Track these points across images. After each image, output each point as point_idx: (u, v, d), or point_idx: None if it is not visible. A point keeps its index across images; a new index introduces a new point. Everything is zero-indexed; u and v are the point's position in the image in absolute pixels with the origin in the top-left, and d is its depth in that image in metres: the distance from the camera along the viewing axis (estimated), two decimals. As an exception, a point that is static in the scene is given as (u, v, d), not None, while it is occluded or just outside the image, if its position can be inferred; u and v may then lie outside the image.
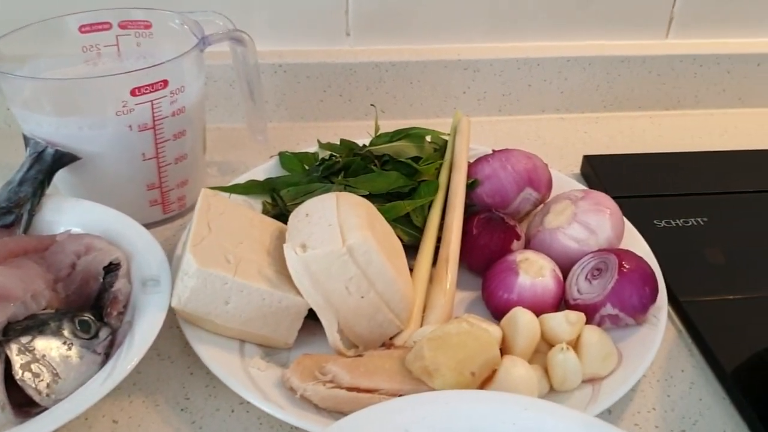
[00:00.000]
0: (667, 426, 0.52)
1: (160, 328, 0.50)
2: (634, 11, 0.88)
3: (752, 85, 0.92)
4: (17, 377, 0.47)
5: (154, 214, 0.68)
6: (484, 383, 0.49)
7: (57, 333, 0.49)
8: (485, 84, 0.88)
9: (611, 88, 0.90)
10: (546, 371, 0.51)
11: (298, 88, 0.85)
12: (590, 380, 0.52)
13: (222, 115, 0.85)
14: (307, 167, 0.70)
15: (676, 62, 0.89)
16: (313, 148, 0.73)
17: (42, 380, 0.47)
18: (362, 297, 0.51)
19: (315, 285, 0.50)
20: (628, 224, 0.64)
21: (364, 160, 0.66)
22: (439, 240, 0.61)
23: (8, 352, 0.47)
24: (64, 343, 0.49)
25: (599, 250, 0.58)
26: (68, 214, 0.60)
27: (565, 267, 0.58)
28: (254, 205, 0.66)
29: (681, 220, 0.70)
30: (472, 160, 0.66)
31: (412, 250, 0.60)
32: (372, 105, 0.85)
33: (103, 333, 0.51)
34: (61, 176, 0.62)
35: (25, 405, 0.47)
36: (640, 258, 0.56)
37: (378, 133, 0.71)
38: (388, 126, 0.73)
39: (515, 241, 0.61)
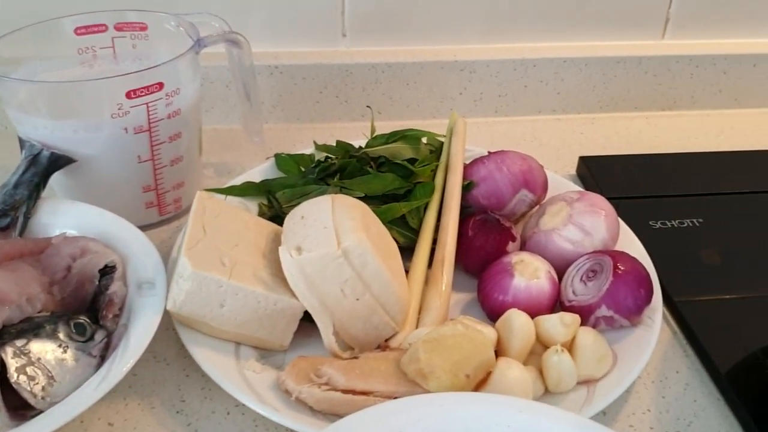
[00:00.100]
0: (661, 427, 0.52)
1: (155, 331, 0.51)
2: (630, 12, 0.88)
3: (748, 86, 0.92)
4: (12, 380, 0.47)
5: (150, 216, 0.68)
6: (479, 385, 0.49)
7: (52, 336, 0.49)
8: (482, 85, 0.88)
9: (607, 89, 0.90)
10: (541, 373, 0.51)
11: (294, 89, 0.85)
12: (585, 382, 0.52)
13: (218, 116, 0.85)
14: (303, 169, 0.70)
15: (673, 63, 0.89)
16: (309, 150, 0.73)
17: (37, 383, 0.47)
18: (357, 299, 0.51)
19: (310, 287, 0.51)
20: (623, 225, 0.64)
21: (359, 161, 0.66)
22: (434, 242, 0.61)
23: (3, 355, 0.47)
24: (60, 346, 0.49)
25: (594, 252, 0.58)
26: (64, 216, 0.60)
27: (561, 268, 0.59)
28: (250, 206, 0.66)
29: (677, 221, 0.70)
30: (467, 162, 0.66)
31: (407, 251, 0.60)
32: (368, 107, 0.85)
33: (99, 336, 0.51)
34: (56, 179, 0.62)
35: (20, 408, 0.47)
36: (635, 259, 0.57)
37: (374, 135, 0.71)
38: (385, 127, 0.73)
39: (511, 242, 0.61)
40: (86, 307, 0.53)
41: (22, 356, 0.48)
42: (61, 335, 0.50)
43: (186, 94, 0.64)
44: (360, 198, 0.59)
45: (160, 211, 0.68)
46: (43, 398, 0.47)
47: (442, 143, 0.70)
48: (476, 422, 0.42)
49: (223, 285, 0.50)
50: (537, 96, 0.90)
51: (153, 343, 0.50)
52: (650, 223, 0.70)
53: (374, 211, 0.58)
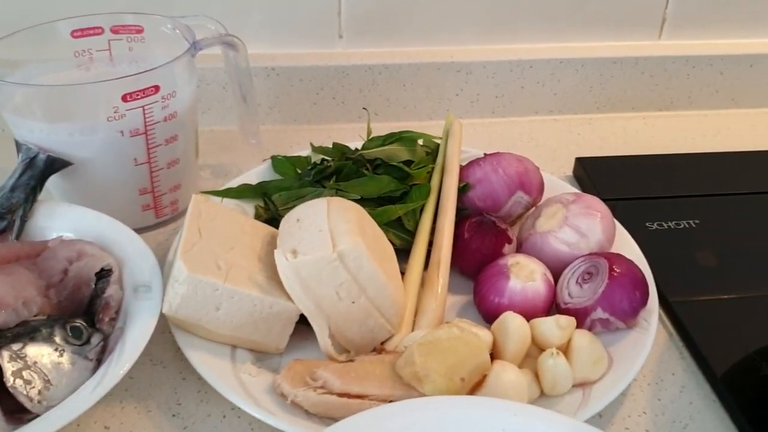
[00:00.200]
0: (657, 430, 0.52)
1: (151, 334, 0.51)
2: (626, 13, 0.88)
3: (745, 86, 0.92)
4: (8, 384, 0.47)
5: (146, 218, 0.68)
6: (475, 388, 0.49)
7: (48, 339, 0.49)
8: (478, 86, 0.88)
9: (604, 90, 0.90)
10: (536, 376, 0.51)
11: (291, 91, 0.85)
12: (581, 385, 0.52)
13: (215, 118, 0.85)
14: (299, 171, 0.70)
15: (669, 63, 0.89)
16: (306, 152, 0.73)
17: (33, 387, 0.47)
18: (353, 302, 0.51)
19: (306, 291, 0.51)
20: (619, 227, 0.64)
21: (356, 164, 0.66)
22: (430, 244, 0.61)
23: (-1, 359, 0.47)
24: (56, 349, 0.49)
25: (590, 254, 0.58)
26: (60, 219, 0.60)
27: (557, 271, 0.59)
28: (247, 209, 0.66)
29: (673, 223, 0.70)
30: (464, 164, 0.67)
31: (403, 254, 0.60)
32: (364, 108, 0.85)
33: (95, 339, 0.51)
34: (53, 182, 0.62)
35: (16, 412, 0.47)
36: (631, 262, 0.57)
37: (370, 137, 0.71)
38: (382, 128, 0.73)
39: (506, 244, 0.61)
40: (82, 311, 0.53)
41: (19, 360, 0.48)
42: (58, 339, 0.50)
43: (182, 97, 0.64)
44: (356, 200, 0.59)
45: (157, 214, 0.68)
46: (39, 402, 0.47)
47: (438, 145, 0.70)
48: (471, 426, 0.43)
49: (219, 288, 0.50)
50: (534, 97, 0.90)
51: (149, 347, 0.50)
52: (646, 224, 0.70)
53: (370, 213, 0.58)
